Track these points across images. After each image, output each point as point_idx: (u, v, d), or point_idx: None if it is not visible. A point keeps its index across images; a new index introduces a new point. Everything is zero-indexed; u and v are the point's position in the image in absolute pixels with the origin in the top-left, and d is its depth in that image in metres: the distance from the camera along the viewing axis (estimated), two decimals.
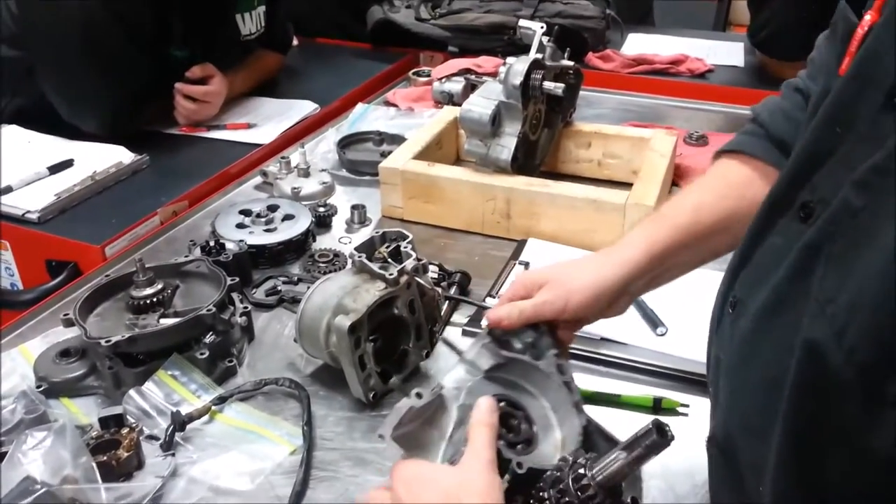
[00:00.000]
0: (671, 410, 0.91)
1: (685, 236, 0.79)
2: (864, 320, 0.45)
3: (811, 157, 0.59)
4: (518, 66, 1.28)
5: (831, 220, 0.52)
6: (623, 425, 0.72)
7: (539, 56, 1.31)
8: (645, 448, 0.59)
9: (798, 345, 0.50)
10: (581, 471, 0.61)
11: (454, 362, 0.78)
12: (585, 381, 0.77)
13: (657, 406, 0.91)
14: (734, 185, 0.80)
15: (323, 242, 1.28)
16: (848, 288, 0.47)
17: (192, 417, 0.88)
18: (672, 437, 0.59)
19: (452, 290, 1.12)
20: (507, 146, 1.30)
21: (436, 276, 1.13)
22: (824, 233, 0.52)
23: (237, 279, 1.05)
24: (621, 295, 0.79)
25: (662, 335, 1.01)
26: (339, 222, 1.35)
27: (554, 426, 0.71)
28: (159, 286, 0.99)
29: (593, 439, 0.71)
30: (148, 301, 0.97)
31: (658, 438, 0.58)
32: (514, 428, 0.69)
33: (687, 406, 0.91)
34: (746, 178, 0.79)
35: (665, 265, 0.79)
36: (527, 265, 1.19)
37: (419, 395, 0.69)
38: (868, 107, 0.52)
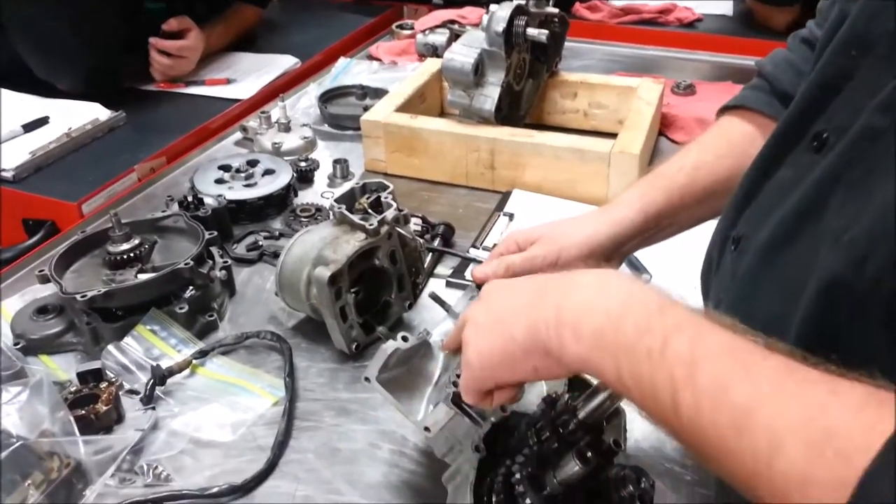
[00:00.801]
0: None
1: (681, 197, 0.78)
2: (886, 247, 0.43)
3: (825, 86, 0.57)
4: (501, 13, 1.24)
5: (850, 146, 0.50)
6: None
7: (523, 2, 1.28)
8: None
9: (812, 280, 0.48)
10: (561, 407, 0.61)
11: (440, 315, 0.78)
12: None
13: None
14: (736, 144, 0.78)
15: (305, 197, 1.26)
16: (867, 213, 0.45)
17: (172, 371, 0.87)
18: None
19: (436, 242, 1.11)
20: (490, 96, 1.27)
21: (419, 228, 1.11)
22: (842, 160, 0.50)
23: (216, 233, 1.03)
24: (614, 253, 0.78)
25: (647, 282, 1.00)
26: (321, 177, 1.33)
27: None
28: (136, 241, 0.97)
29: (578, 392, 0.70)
30: (125, 256, 0.96)
31: None
32: None
33: None
34: (749, 135, 0.77)
35: (660, 225, 0.78)
36: (511, 216, 1.17)
37: (405, 339, 0.69)
38: (886, 26, 0.50)
